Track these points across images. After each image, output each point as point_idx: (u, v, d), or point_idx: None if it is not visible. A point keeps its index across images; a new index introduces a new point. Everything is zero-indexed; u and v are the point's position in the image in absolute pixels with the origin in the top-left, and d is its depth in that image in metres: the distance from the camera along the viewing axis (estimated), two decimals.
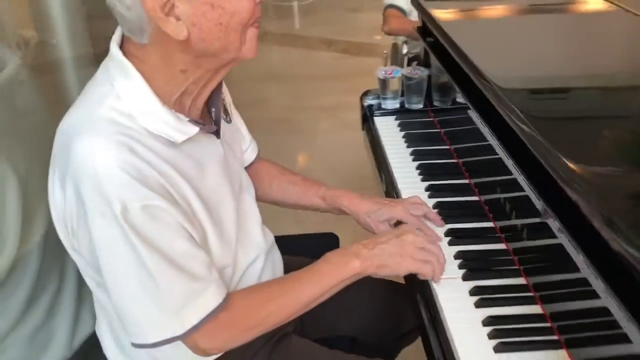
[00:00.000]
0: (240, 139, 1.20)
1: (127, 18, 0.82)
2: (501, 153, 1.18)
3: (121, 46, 0.89)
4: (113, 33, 0.91)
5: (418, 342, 1.39)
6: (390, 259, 0.99)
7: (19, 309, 1.02)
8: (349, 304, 1.20)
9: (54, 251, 1.09)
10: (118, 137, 0.81)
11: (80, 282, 1.15)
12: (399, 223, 1.18)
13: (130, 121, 0.84)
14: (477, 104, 1.22)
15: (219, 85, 0.97)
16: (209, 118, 1.00)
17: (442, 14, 1.51)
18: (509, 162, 1.14)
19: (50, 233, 1.08)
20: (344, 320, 1.27)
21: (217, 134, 0.99)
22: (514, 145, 1.06)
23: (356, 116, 3.42)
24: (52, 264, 1.10)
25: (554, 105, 1.14)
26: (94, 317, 1.12)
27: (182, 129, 0.88)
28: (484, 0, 1.73)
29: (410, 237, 1.02)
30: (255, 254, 1.08)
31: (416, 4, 1.63)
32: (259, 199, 1.18)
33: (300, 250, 1.31)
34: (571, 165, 0.86)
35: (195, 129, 0.90)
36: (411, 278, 1.07)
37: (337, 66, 4.13)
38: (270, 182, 1.27)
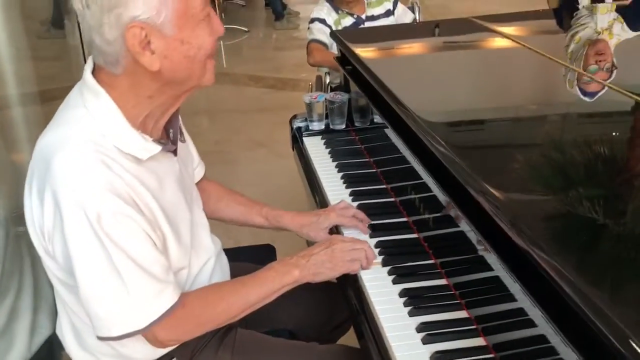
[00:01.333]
0: (191, 158, 1.35)
1: (106, 51, 0.96)
2: (412, 161, 1.40)
3: (93, 74, 1.02)
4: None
5: (351, 332, 1.56)
6: (324, 267, 1.17)
7: None
8: (287, 299, 1.35)
9: (12, 259, 1.19)
10: (94, 154, 0.95)
11: (36, 289, 1.25)
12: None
13: (104, 140, 0.97)
14: (390, 120, 1.45)
15: (177, 110, 1.12)
16: (167, 138, 1.14)
17: (358, 46, 1.74)
18: (419, 168, 1.36)
19: (9, 241, 1.19)
20: (282, 315, 1.42)
21: (174, 152, 1.14)
22: (421, 153, 1.28)
23: (286, 147, 3.59)
24: (11, 271, 1.19)
25: (453, 115, 1.39)
26: (51, 321, 1.22)
27: (147, 147, 1.02)
28: (393, 36, 1.99)
29: (338, 245, 1.20)
30: (206, 256, 1.22)
31: (335, 37, 1.85)
32: (207, 215, 1.32)
33: (242, 260, 1.46)
34: (469, 167, 1.08)
35: (158, 148, 1.04)
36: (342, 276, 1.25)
37: (265, 100, 4.32)
38: (218, 199, 1.42)
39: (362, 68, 1.60)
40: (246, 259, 1.50)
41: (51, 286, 1.12)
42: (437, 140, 1.17)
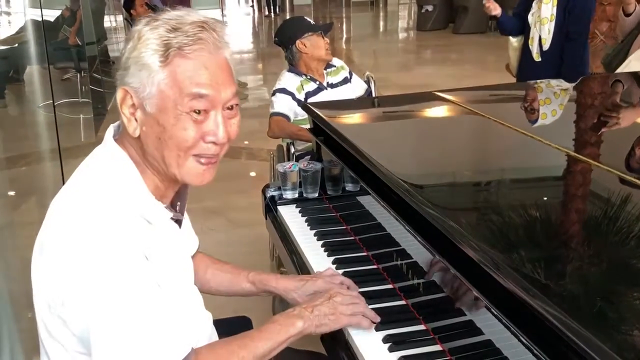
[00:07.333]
0: (190, 233, 1.37)
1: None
2: (387, 228, 1.44)
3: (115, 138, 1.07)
4: None
5: None
6: (327, 319, 1.20)
7: None
8: None
9: None
10: (116, 218, 0.97)
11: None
12: None
13: (124, 204, 1.00)
14: (368, 183, 1.50)
15: (186, 186, 1.15)
16: (174, 210, 1.16)
17: (332, 117, 1.81)
18: (396, 233, 1.39)
19: None
20: None
21: (179, 223, 1.16)
22: (402, 213, 1.32)
23: (242, 214, 3.56)
24: None
25: (431, 177, 1.46)
26: None
27: (161, 212, 1.07)
28: (361, 109, 2.08)
29: (339, 297, 1.23)
30: (204, 327, 1.23)
31: (307, 110, 1.91)
32: (199, 289, 1.31)
33: (221, 333, 1.43)
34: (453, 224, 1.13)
35: (169, 214, 1.09)
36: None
37: (219, 169, 4.31)
38: (205, 270, 1.42)
39: (338, 137, 1.66)
40: (223, 332, 1.47)
41: None
42: (417, 197, 1.25)
